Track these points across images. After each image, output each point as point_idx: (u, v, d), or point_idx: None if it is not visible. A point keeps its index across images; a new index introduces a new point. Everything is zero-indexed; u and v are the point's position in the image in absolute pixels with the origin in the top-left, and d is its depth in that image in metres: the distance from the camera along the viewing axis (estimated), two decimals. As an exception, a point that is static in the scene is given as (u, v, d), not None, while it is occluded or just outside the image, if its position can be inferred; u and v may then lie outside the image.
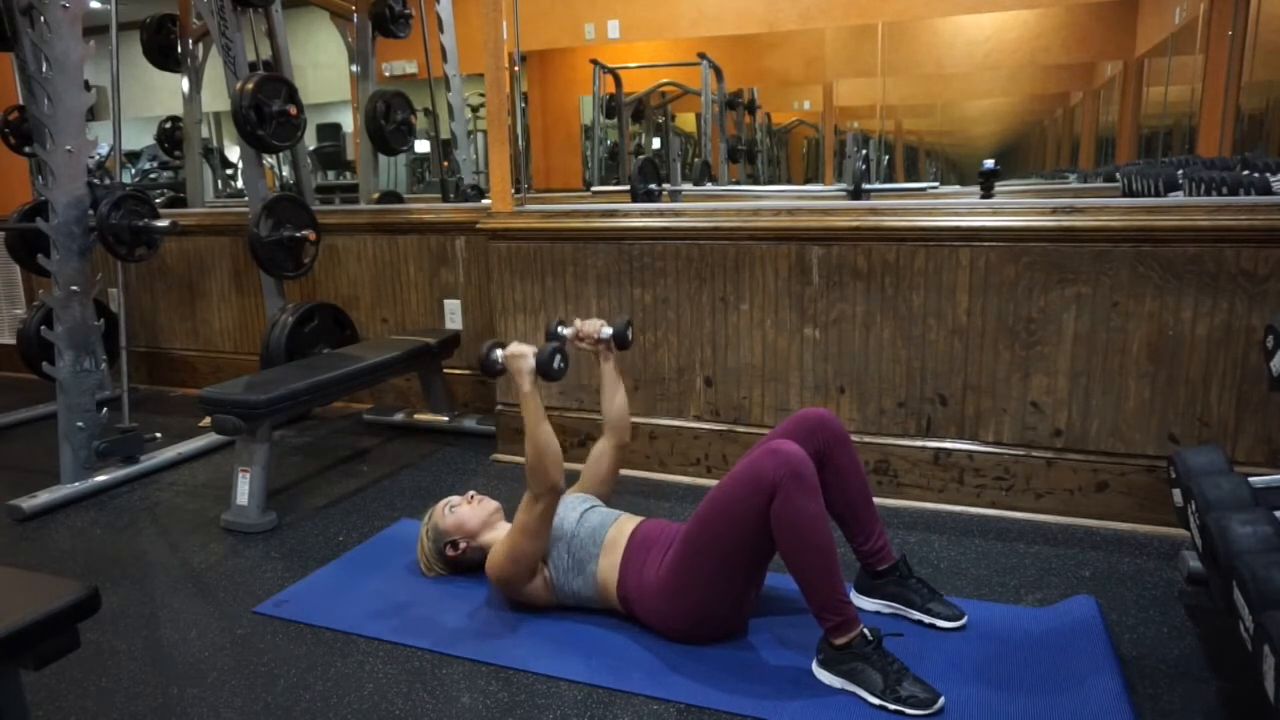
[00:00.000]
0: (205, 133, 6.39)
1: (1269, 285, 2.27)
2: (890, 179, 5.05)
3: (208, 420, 3.14)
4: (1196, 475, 1.85)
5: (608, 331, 2.20)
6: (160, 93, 6.10)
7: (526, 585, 2.01)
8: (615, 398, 2.26)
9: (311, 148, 6.26)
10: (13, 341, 4.16)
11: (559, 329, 2.22)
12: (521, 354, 1.96)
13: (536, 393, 1.95)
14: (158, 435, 3.28)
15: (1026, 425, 2.55)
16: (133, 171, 6.24)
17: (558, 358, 1.97)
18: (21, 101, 3.77)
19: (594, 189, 5.13)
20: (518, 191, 3.19)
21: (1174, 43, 4.30)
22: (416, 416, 3.63)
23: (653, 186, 3.63)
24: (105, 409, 3.06)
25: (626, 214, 3.00)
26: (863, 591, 2.04)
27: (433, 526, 2.23)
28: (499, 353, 2.02)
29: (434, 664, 1.89)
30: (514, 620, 2.03)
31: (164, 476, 3.14)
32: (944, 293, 2.57)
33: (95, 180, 3.10)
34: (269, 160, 4.30)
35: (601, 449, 2.29)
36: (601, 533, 2.00)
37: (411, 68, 5.65)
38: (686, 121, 5.86)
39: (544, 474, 1.90)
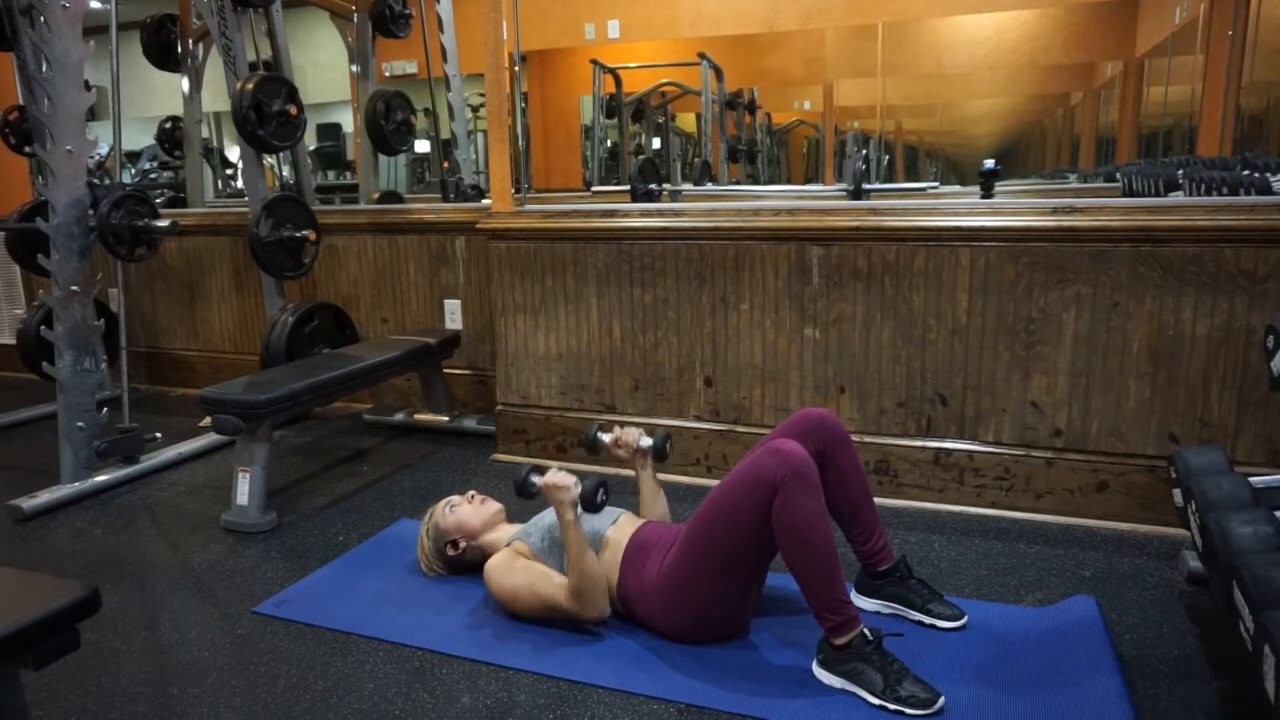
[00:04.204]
0: (205, 133, 6.38)
1: (1269, 285, 2.27)
2: (890, 179, 5.05)
3: (208, 420, 3.15)
4: (1196, 475, 1.85)
5: (647, 442, 2.19)
6: (160, 93, 6.11)
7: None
8: (656, 507, 2.23)
9: (311, 148, 6.25)
10: (13, 341, 4.16)
11: (599, 435, 2.21)
12: (563, 485, 1.89)
13: (578, 523, 1.90)
14: (158, 435, 3.28)
15: (1026, 425, 2.55)
16: (133, 171, 6.24)
17: (601, 492, 1.88)
18: (21, 101, 3.77)
19: (594, 189, 5.13)
20: (518, 191, 3.19)
21: (1174, 43, 4.30)
22: (416, 416, 3.63)
23: (653, 186, 3.63)
24: (105, 409, 3.06)
25: (626, 214, 3.00)
26: (863, 592, 2.04)
27: (433, 526, 2.24)
28: (536, 479, 1.96)
29: (434, 664, 1.89)
30: (514, 621, 2.03)
31: (164, 476, 3.14)
32: (944, 293, 2.57)
33: (95, 180, 3.10)
34: (269, 160, 4.29)
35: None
36: (601, 533, 2.00)
37: (411, 68, 5.65)
38: (686, 121, 5.86)
39: (592, 603, 1.91)
